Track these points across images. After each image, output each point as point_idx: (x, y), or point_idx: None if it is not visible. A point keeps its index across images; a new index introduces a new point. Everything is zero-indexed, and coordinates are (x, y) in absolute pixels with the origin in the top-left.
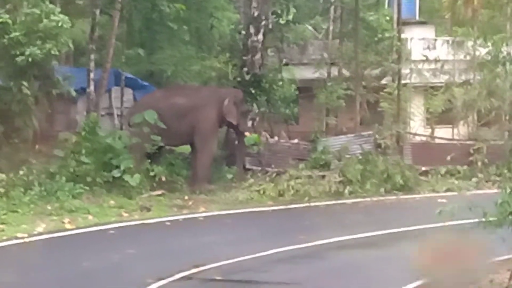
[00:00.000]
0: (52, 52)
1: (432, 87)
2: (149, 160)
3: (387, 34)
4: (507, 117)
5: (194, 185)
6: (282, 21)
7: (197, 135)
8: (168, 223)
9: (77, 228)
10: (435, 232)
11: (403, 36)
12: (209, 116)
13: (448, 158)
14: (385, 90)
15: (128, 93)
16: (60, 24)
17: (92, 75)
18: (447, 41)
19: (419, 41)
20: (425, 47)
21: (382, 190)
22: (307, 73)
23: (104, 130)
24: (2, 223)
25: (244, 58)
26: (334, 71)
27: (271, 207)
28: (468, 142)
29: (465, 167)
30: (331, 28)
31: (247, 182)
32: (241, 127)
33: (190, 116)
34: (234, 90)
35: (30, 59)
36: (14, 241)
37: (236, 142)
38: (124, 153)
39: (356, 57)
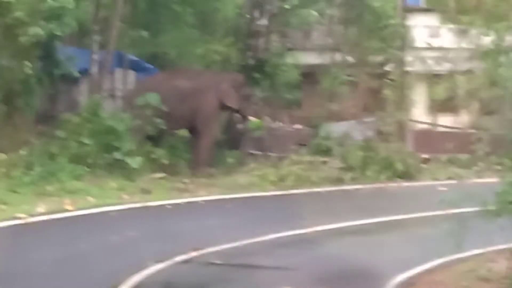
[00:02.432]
0: (56, 32)
1: (435, 75)
2: (151, 143)
3: (391, 21)
4: (510, 107)
5: (195, 169)
6: (287, 6)
7: (199, 119)
8: (168, 206)
9: (77, 209)
10: (435, 220)
11: (407, 23)
12: (210, 100)
13: (450, 146)
14: (388, 77)
15: (131, 75)
16: (64, 4)
17: (95, 56)
18: (451, 29)
19: (423, 28)
20: (429, 35)
21: (383, 177)
22: (311, 59)
23: (106, 112)
24: (2, 203)
25: (248, 42)
26: (338, 57)
27: (272, 192)
28: (470, 131)
29: (467, 155)
30: (335, 13)
31: (248, 167)
32: (243, 111)
33: (191, 100)
34: (234, 75)
35: (33, 39)
36: (14, 222)
37: (239, 126)
38: (126, 135)
39: (360, 43)
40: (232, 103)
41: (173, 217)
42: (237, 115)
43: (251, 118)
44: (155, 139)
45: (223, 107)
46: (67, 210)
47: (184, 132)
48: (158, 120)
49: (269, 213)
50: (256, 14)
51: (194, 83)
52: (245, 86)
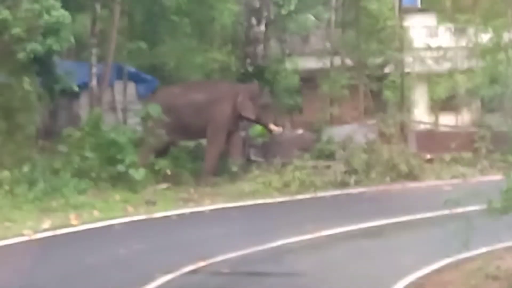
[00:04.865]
0: (54, 47)
1: (435, 75)
2: (162, 154)
3: (389, 23)
4: (510, 104)
5: (199, 178)
6: (284, 12)
7: (209, 128)
8: (174, 217)
9: (83, 223)
10: (442, 220)
11: (405, 24)
12: (223, 111)
13: (453, 145)
14: (388, 78)
15: (131, 87)
16: (61, 19)
17: (94, 69)
18: (449, 29)
19: (421, 29)
20: (427, 35)
21: (387, 178)
22: (310, 63)
23: (107, 125)
24: (8, 221)
25: (247, 49)
26: (337, 61)
27: (277, 198)
28: (472, 129)
29: (470, 154)
30: (333, 17)
31: (252, 174)
32: (263, 120)
33: (206, 111)
34: (250, 85)
35: (31, 55)
36: (20, 238)
37: (241, 134)
38: (128, 147)
39: (358, 46)
40: (249, 113)
41: (179, 227)
42: (256, 124)
43: (274, 126)
44: (165, 152)
45: (240, 117)
46: (73, 225)
47: (187, 142)
48: (162, 132)
49: (275, 219)
50: (253, 21)
51: (209, 95)
52: (262, 96)
